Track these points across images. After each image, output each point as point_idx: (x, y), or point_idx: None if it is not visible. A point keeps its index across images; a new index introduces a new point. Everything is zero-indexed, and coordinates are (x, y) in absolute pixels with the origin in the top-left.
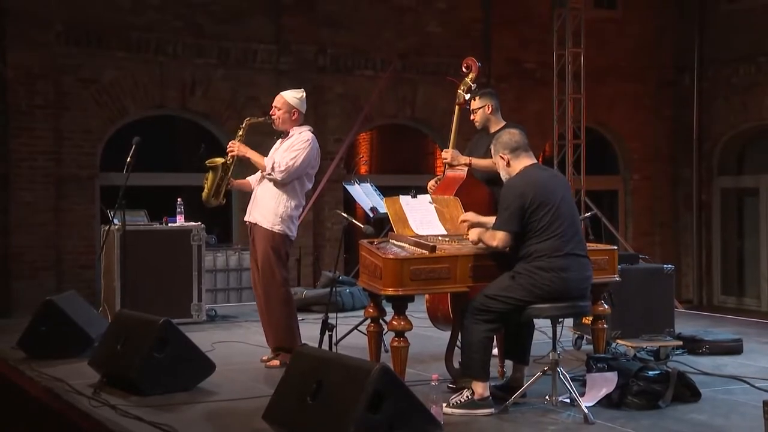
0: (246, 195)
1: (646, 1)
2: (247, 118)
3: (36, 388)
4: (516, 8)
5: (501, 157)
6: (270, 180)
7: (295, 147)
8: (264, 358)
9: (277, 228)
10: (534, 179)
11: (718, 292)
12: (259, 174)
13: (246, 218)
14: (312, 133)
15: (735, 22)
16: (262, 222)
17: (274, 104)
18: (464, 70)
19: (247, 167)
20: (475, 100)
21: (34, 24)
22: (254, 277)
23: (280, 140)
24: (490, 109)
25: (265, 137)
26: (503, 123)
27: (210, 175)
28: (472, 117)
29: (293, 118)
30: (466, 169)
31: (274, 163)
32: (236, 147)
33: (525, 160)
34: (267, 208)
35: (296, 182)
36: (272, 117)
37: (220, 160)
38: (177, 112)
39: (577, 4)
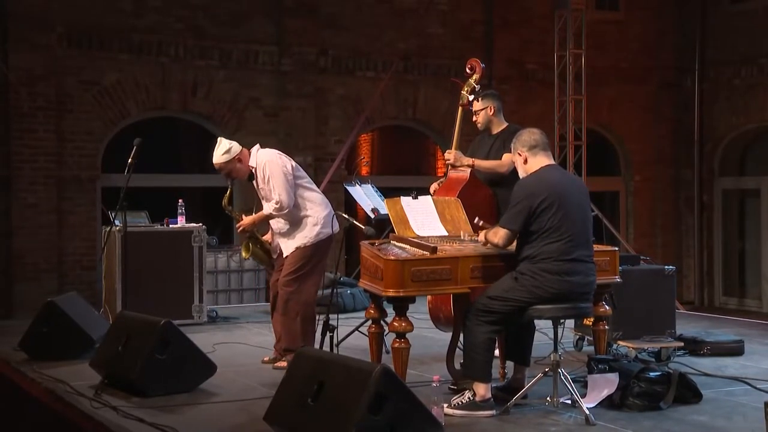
0: (248, 191)
1: (647, 2)
2: (223, 204)
3: (37, 389)
4: (517, 9)
5: (519, 153)
6: (280, 217)
7: (266, 178)
8: (265, 359)
9: (316, 239)
10: (547, 180)
11: (719, 294)
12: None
13: (284, 253)
14: (262, 148)
15: (736, 23)
16: (298, 245)
17: (221, 173)
18: (468, 71)
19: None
20: (477, 101)
21: (36, 26)
22: (272, 298)
23: (254, 180)
24: (493, 110)
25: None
26: (506, 124)
27: (255, 257)
28: (474, 118)
29: (241, 164)
30: (468, 170)
31: (270, 207)
32: (244, 225)
33: (542, 160)
34: (298, 232)
35: (298, 191)
36: (232, 181)
37: (249, 247)
38: (178, 114)
39: (578, 5)
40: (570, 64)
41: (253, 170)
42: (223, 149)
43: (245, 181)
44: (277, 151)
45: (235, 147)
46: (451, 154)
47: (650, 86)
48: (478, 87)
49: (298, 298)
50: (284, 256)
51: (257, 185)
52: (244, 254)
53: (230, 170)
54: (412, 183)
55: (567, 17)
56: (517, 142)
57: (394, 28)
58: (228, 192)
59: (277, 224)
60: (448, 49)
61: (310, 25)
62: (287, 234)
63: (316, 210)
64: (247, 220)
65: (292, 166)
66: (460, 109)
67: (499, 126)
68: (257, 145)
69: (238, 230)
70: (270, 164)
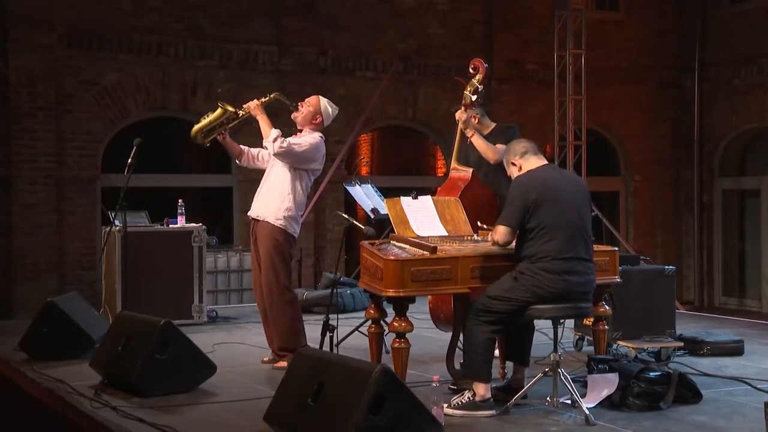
0: (248, 195)
1: (647, 2)
2: (278, 92)
3: (37, 389)
4: (517, 10)
5: (513, 164)
6: (265, 147)
7: (303, 137)
8: (265, 359)
9: (279, 223)
10: (542, 177)
11: (719, 294)
12: (256, 152)
13: (249, 213)
14: (323, 139)
15: (736, 23)
16: (265, 216)
17: (307, 100)
18: (471, 71)
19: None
20: (479, 101)
21: (36, 26)
22: (255, 277)
23: (291, 134)
24: (476, 118)
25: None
26: (493, 125)
27: (213, 115)
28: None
29: (315, 121)
30: (470, 170)
31: (278, 136)
32: (254, 105)
33: (535, 161)
34: (272, 203)
35: (298, 180)
36: (298, 107)
37: (230, 108)
38: (178, 114)
39: (578, 5)
40: (570, 64)
41: (301, 130)
42: (332, 107)
43: (289, 122)
44: (325, 149)
45: (329, 120)
46: (463, 115)
47: (650, 86)
48: (481, 87)
49: (277, 283)
50: (248, 215)
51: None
52: (220, 102)
53: (311, 108)
54: (412, 183)
55: (567, 17)
56: (508, 155)
57: (394, 28)
58: (287, 101)
59: (266, 182)
60: (448, 49)
61: (310, 25)
62: (261, 196)
63: (296, 205)
64: (259, 108)
65: (318, 162)
66: (462, 108)
67: (488, 128)
68: (320, 133)
69: (249, 104)
70: (315, 140)
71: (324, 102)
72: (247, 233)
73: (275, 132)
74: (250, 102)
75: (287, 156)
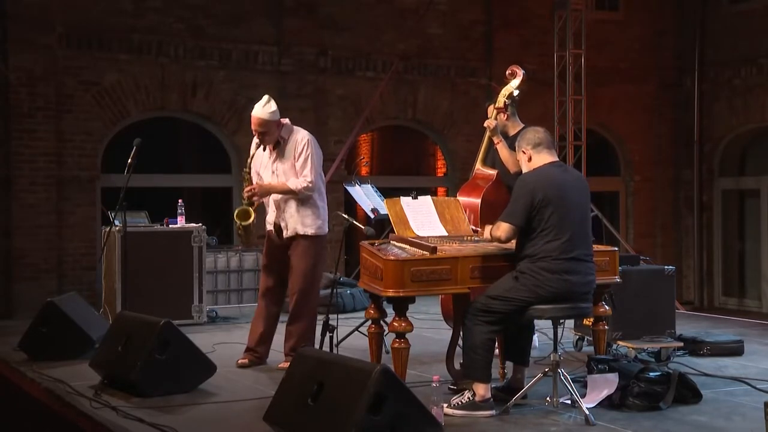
0: None
1: (647, 2)
2: (244, 184)
3: (37, 389)
4: (517, 10)
5: (523, 152)
6: (300, 197)
7: (300, 154)
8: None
9: (319, 231)
10: (549, 177)
11: (719, 294)
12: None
13: (270, 227)
14: (297, 127)
15: (736, 23)
16: (304, 230)
17: (256, 129)
18: (509, 76)
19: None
20: (509, 108)
21: (36, 26)
22: (266, 284)
23: (274, 149)
24: (506, 116)
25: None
26: (522, 125)
27: (245, 229)
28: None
29: (277, 129)
30: (495, 171)
31: (299, 184)
32: (257, 189)
33: (546, 157)
34: (299, 217)
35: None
36: (261, 141)
37: (251, 214)
38: (178, 114)
39: (578, 5)
40: (570, 64)
41: (281, 140)
42: (273, 107)
43: (263, 147)
44: (314, 138)
45: (278, 110)
46: (492, 123)
47: (650, 86)
48: (517, 92)
49: (309, 300)
50: (279, 236)
51: (277, 157)
52: (241, 219)
53: (267, 130)
54: (412, 183)
55: (567, 17)
56: (521, 141)
57: (394, 28)
58: (245, 174)
59: (287, 204)
60: (447, 49)
61: (310, 25)
62: (292, 214)
63: (322, 203)
64: (263, 188)
65: (321, 154)
66: (495, 111)
67: (515, 128)
68: (287, 119)
69: (249, 192)
70: (311, 144)
71: (265, 114)
72: None
73: (296, 184)
74: (250, 189)
75: (318, 181)
